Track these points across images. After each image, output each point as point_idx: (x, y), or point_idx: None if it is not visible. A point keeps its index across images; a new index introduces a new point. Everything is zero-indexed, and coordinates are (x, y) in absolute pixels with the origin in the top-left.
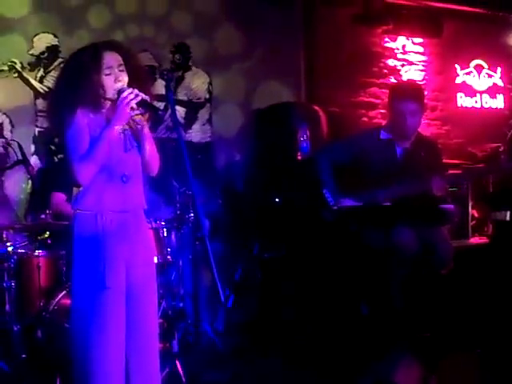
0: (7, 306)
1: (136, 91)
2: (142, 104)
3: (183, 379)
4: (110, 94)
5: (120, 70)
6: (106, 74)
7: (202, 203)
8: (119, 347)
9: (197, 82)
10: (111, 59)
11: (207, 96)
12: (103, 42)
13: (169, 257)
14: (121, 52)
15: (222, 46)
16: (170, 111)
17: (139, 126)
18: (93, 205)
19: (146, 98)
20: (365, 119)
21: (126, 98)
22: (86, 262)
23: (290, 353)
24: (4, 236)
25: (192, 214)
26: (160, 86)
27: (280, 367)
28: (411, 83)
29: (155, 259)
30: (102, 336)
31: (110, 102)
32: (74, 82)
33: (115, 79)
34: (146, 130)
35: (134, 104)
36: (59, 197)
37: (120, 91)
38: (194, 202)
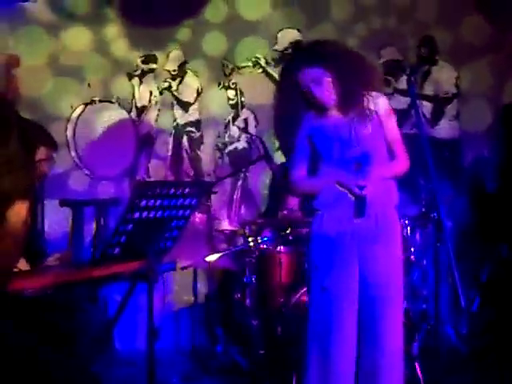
0: (247, 301)
1: None
2: None
3: (422, 383)
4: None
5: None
6: (315, 85)
7: (445, 202)
8: (348, 350)
9: (444, 77)
10: (315, 74)
11: (454, 91)
12: (305, 57)
13: (412, 256)
14: (326, 66)
15: (469, 38)
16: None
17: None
18: (326, 204)
19: None
20: None
21: None
22: (315, 261)
23: None
24: (246, 231)
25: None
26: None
27: None
28: None
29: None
30: (328, 337)
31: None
32: (289, 99)
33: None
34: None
35: None
36: (292, 201)
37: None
38: (436, 201)
